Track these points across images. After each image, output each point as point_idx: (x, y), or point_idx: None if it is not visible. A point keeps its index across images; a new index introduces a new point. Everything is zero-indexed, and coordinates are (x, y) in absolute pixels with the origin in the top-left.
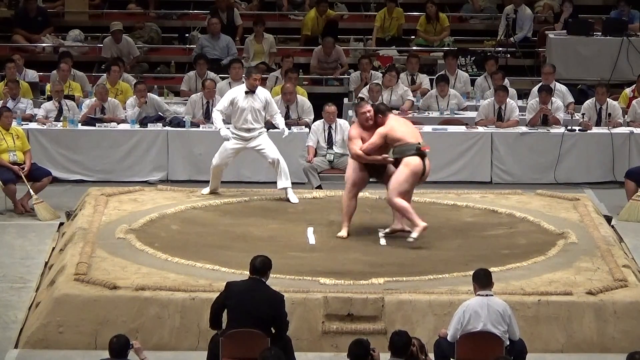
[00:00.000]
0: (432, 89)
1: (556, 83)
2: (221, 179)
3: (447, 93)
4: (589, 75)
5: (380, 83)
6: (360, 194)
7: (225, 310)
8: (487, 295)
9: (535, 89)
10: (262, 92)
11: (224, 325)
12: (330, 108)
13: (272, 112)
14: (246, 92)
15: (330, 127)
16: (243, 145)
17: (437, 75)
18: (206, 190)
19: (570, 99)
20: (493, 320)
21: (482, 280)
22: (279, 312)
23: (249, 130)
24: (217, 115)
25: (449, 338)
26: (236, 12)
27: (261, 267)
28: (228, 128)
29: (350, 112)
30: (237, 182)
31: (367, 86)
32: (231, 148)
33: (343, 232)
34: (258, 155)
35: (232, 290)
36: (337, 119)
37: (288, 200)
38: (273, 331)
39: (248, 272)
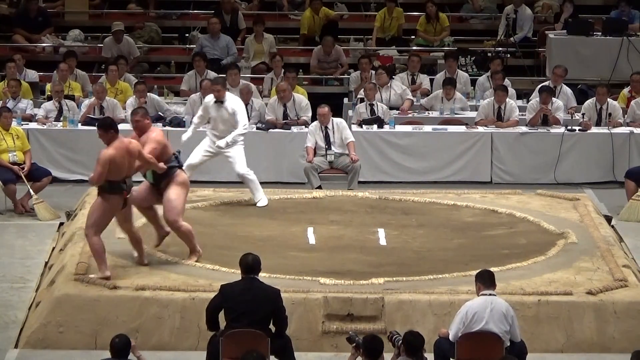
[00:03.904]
0: (432, 89)
1: (563, 85)
2: None
3: (453, 97)
4: (589, 75)
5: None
6: (360, 194)
7: (223, 312)
8: (490, 295)
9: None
10: (230, 102)
11: (221, 326)
12: (323, 110)
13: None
14: (215, 102)
15: (326, 128)
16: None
17: (444, 79)
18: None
19: (574, 104)
20: (496, 320)
21: (487, 281)
22: (277, 306)
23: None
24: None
25: (450, 337)
26: (240, 15)
27: (254, 264)
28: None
29: (351, 112)
30: (237, 182)
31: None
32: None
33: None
34: (257, 157)
35: (229, 292)
36: (334, 118)
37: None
38: (272, 329)
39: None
